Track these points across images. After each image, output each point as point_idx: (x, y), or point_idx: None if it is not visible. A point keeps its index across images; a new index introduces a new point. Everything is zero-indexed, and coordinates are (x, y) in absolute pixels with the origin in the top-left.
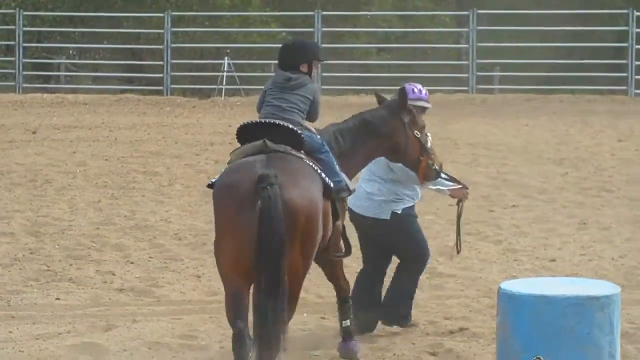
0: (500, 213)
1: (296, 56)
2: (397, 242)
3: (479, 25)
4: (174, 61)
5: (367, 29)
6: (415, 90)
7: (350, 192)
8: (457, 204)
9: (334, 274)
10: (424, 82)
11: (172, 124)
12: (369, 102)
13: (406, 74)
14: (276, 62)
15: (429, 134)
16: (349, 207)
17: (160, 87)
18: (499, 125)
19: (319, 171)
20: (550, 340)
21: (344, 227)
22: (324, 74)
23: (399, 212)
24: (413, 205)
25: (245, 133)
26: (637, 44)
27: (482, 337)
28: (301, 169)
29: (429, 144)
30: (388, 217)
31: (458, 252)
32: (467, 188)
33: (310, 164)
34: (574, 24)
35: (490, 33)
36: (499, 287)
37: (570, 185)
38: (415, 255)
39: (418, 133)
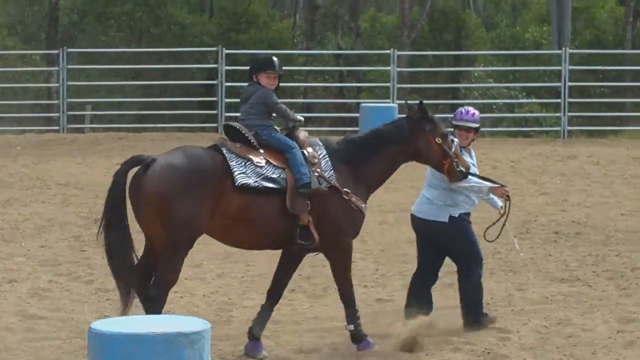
0: (92, 253)
1: (249, 70)
2: (453, 244)
3: (69, 64)
4: None
5: None
6: (463, 112)
7: (311, 189)
8: (505, 203)
9: (334, 275)
10: (13, 122)
11: None
12: None
13: None
14: None
15: (455, 140)
16: (411, 214)
17: None
18: (90, 165)
19: (232, 167)
20: None
21: (309, 220)
22: None
23: (456, 216)
24: (469, 212)
25: (226, 132)
26: (226, 81)
27: None
28: (194, 160)
29: (452, 149)
30: (446, 220)
31: (491, 241)
32: (506, 186)
33: (229, 157)
34: (165, 62)
35: (81, 72)
36: (90, 327)
37: None
38: (470, 258)
39: (439, 140)
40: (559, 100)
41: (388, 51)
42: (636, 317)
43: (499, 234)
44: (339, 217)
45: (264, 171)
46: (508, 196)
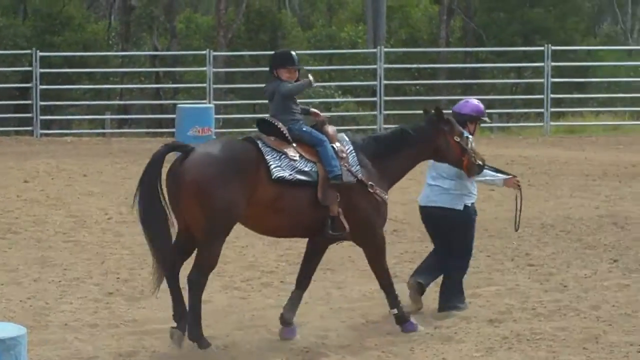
0: None
1: (270, 66)
2: (458, 232)
3: None
4: None
5: None
6: (482, 107)
7: (342, 181)
8: (517, 192)
9: (370, 264)
10: None
11: None
12: None
13: None
14: None
15: (470, 137)
16: (422, 206)
17: None
18: None
19: (268, 161)
20: None
21: (339, 210)
22: None
23: (469, 205)
24: (475, 202)
25: (259, 125)
26: (41, 84)
27: None
28: (230, 150)
29: (469, 146)
30: (462, 208)
31: (517, 229)
32: (516, 177)
33: (265, 150)
34: None
35: None
36: None
37: None
38: (465, 248)
39: (457, 138)
40: (375, 99)
41: (204, 52)
42: (453, 312)
43: (518, 222)
44: (367, 209)
45: (298, 164)
46: (519, 185)
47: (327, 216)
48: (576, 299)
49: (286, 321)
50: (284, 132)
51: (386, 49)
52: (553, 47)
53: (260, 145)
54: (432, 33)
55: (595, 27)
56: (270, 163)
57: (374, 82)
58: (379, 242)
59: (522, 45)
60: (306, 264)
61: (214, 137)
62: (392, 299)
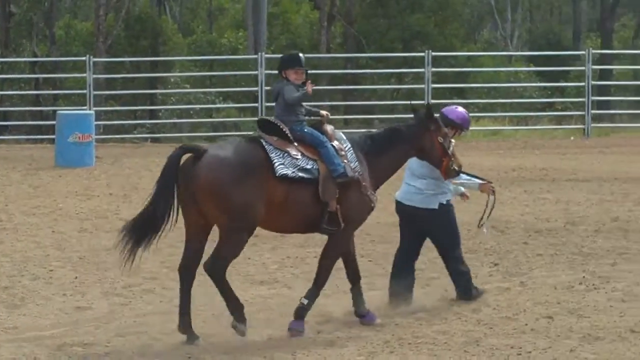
0: None
1: (278, 67)
2: (440, 229)
3: None
4: None
5: None
6: (467, 116)
7: (348, 177)
8: (488, 196)
9: (324, 255)
10: None
11: None
12: None
13: None
14: None
15: (452, 141)
16: (398, 201)
17: None
18: None
19: (272, 159)
20: None
21: (337, 207)
22: None
23: (444, 202)
24: (451, 199)
25: (260, 125)
26: None
27: None
28: (242, 152)
29: (450, 149)
30: (436, 207)
31: (479, 226)
32: (491, 182)
33: (268, 148)
34: None
35: None
36: None
37: None
38: (454, 241)
39: (441, 139)
40: (256, 105)
41: (84, 58)
42: (335, 316)
43: (484, 220)
44: (355, 206)
45: (300, 163)
46: (493, 190)
47: (326, 211)
48: (457, 303)
49: (361, 314)
50: (286, 132)
51: (267, 55)
52: (433, 53)
53: (265, 145)
54: (312, 39)
55: (475, 33)
56: (275, 161)
57: (255, 88)
58: (346, 240)
59: (403, 51)
60: (345, 261)
61: (94, 143)
62: (313, 294)
